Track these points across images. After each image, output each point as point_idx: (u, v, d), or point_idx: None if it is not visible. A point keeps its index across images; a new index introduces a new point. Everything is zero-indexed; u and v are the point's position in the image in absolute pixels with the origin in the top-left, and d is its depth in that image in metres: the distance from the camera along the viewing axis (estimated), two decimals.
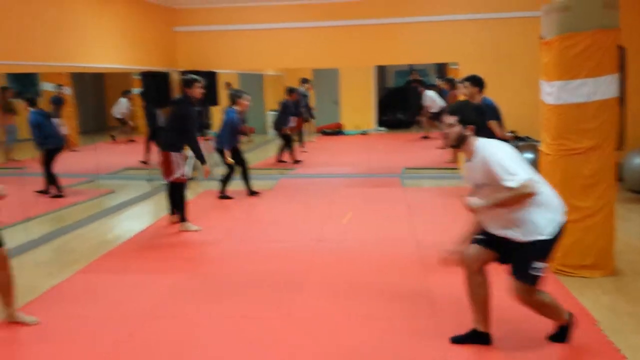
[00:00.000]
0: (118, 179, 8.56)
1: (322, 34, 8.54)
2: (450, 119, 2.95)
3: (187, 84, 5.50)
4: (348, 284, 4.11)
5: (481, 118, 3.06)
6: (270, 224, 5.92)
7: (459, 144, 2.97)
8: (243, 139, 11.58)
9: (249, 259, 4.75)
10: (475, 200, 2.86)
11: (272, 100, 12.75)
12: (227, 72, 9.70)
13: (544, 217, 2.82)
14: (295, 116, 10.30)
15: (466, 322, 3.14)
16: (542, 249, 2.85)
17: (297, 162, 9.64)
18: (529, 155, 6.34)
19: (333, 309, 3.67)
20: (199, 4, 8.68)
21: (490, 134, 5.26)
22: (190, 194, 7.36)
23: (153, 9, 8.29)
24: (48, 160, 6.91)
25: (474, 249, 3.03)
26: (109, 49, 7.22)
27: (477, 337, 3.09)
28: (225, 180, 7.12)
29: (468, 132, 2.94)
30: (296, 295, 3.92)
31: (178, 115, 5.51)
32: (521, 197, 2.74)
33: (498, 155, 2.82)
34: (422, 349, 3.11)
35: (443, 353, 3.04)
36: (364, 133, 13.03)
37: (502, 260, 3.00)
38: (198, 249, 5.10)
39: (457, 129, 2.93)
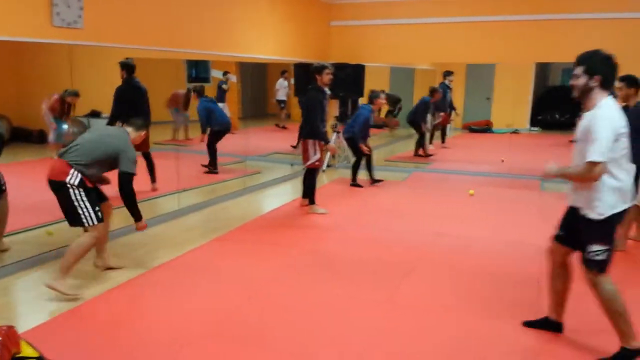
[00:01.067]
0: (265, 161, 9.29)
1: (479, 28, 8.38)
2: (577, 69, 2.82)
3: (318, 70, 5.80)
4: (456, 278, 4.15)
5: (612, 73, 2.80)
6: (394, 214, 6.07)
7: (582, 95, 2.79)
8: (386, 131, 11.84)
9: (366, 244, 4.97)
10: (552, 167, 2.90)
11: (422, 95, 12.75)
12: (376, 65, 9.94)
13: (610, 199, 2.75)
14: (441, 111, 10.28)
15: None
16: (600, 231, 2.82)
17: (428, 156, 9.64)
18: None
19: (435, 300, 3.76)
20: None
21: None
22: (326, 179, 7.80)
23: (312, 4, 8.80)
24: (214, 139, 7.86)
25: (556, 245, 3.10)
26: (271, 41, 7.84)
27: (549, 325, 3.20)
28: (356, 168, 7.46)
29: (594, 84, 2.76)
30: (403, 283, 4.06)
31: (306, 104, 5.89)
32: (585, 177, 2.73)
33: (604, 123, 2.65)
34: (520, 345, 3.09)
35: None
36: (515, 132, 12.47)
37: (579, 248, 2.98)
38: (321, 230, 5.44)
39: (583, 79, 2.79)
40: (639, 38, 7.34)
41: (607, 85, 2.77)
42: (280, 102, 11.04)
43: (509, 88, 12.81)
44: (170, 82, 8.68)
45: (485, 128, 12.66)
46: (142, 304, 3.71)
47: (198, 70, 9.90)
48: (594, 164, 2.65)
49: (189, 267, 4.34)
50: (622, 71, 7.34)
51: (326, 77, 5.81)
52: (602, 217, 2.77)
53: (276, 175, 8.08)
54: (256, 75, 11.50)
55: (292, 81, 9.76)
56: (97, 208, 3.81)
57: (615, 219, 2.80)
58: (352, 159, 7.63)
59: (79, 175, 3.72)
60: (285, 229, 5.49)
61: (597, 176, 2.70)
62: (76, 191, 3.71)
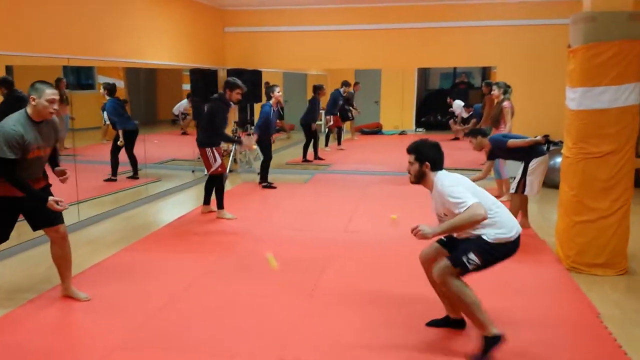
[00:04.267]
0: (165, 168, 9.07)
1: (365, 36, 8.83)
2: (410, 157, 3.16)
3: (230, 86, 5.85)
4: (366, 269, 4.42)
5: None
6: (302, 215, 6.25)
7: (419, 179, 3.14)
8: (281, 135, 12.00)
9: (277, 245, 5.07)
10: (427, 229, 2.95)
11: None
12: (272, 71, 10.08)
13: (495, 232, 2.97)
14: (333, 115, 10.69)
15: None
16: (484, 248, 2.96)
17: (319, 159, 9.93)
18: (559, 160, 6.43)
19: (349, 291, 3.97)
20: (248, 7, 9.12)
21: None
22: (229, 184, 7.80)
23: (205, 11, 8.76)
24: (129, 143, 7.67)
25: (433, 247, 3.29)
26: (163, 47, 7.70)
27: (452, 323, 3.32)
28: (265, 168, 7.59)
29: (425, 169, 3.10)
30: (318, 278, 4.23)
31: (209, 113, 5.92)
32: (471, 220, 2.87)
33: (449, 187, 2.97)
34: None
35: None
36: (402, 133, 13.23)
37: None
38: (234, 234, 5.47)
39: (416, 166, 3.13)
40: (506, 43, 8.18)
41: (437, 168, 3.12)
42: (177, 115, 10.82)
43: (394, 92, 13.57)
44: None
45: (375, 130, 13.29)
46: (51, 322, 3.54)
47: (79, 77, 9.40)
48: (471, 206, 2.85)
49: (91, 286, 4.10)
50: (501, 74, 8.07)
51: (235, 96, 5.86)
52: (491, 240, 2.96)
53: (177, 182, 7.94)
54: (146, 82, 11.16)
55: (185, 87, 9.62)
56: None
57: (501, 249, 2.98)
58: (254, 163, 7.71)
59: None
60: (197, 235, 5.45)
61: (483, 213, 2.85)
62: None
